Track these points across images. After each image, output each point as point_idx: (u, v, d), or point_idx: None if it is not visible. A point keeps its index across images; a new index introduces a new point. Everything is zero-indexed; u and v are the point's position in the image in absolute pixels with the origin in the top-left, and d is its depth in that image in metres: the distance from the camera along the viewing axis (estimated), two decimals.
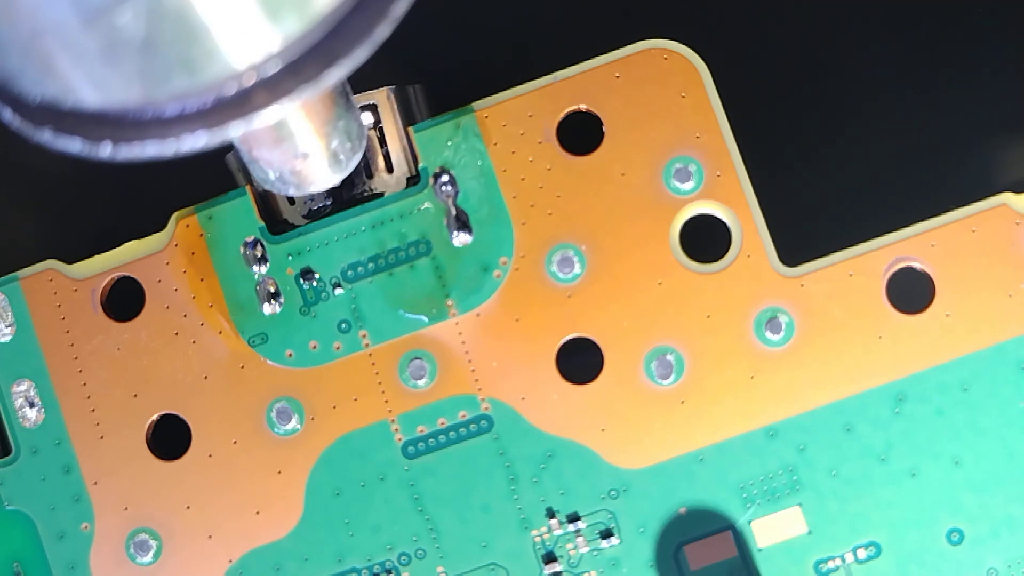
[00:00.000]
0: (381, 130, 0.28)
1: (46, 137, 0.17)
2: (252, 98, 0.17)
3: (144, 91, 0.16)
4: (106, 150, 0.17)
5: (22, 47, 0.16)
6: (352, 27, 0.17)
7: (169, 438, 0.28)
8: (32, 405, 0.28)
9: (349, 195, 0.28)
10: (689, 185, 0.27)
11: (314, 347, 0.28)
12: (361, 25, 0.17)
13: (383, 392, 0.28)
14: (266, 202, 0.28)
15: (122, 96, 0.17)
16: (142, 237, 0.28)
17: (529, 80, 0.28)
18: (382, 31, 0.17)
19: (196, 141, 0.17)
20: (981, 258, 0.27)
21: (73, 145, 0.17)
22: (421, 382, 0.27)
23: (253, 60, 0.17)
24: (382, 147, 0.28)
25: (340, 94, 0.22)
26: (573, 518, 0.27)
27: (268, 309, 0.27)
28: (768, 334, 0.27)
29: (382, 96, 0.28)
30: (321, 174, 0.23)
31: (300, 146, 0.22)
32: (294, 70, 0.17)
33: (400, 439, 0.28)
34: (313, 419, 0.28)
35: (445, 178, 0.27)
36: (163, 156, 0.17)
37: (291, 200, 0.28)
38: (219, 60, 0.16)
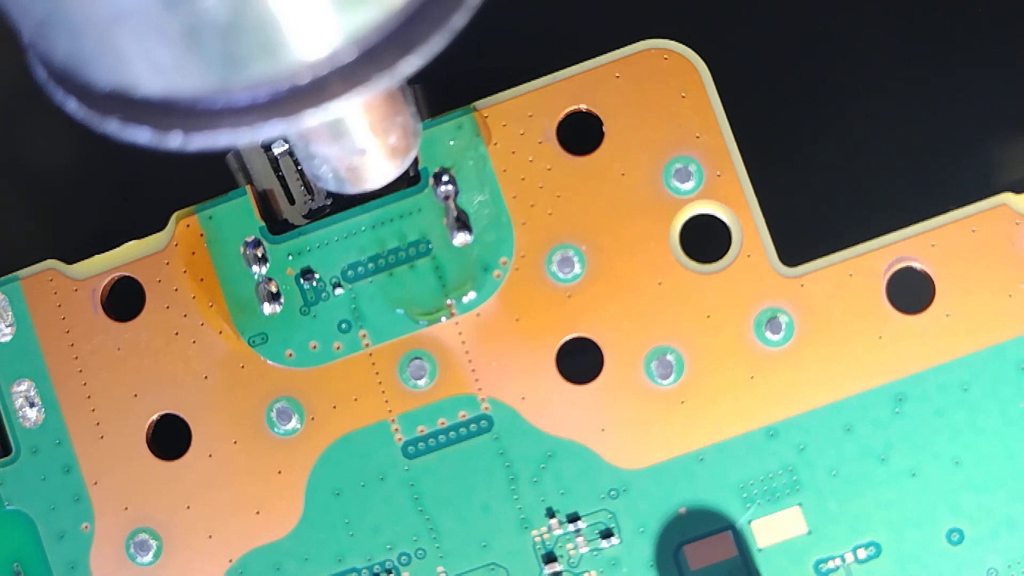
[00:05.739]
0: None
1: (113, 127, 0.17)
2: (327, 87, 0.17)
3: (222, 77, 0.16)
4: (176, 140, 0.17)
5: (100, 31, 0.16)
6: (429, 15, 0.17)
7: (169, 438, 0.28)
8: (32, 405, 0.28)
9: (349, 195, 0.28)
10: (689, 185, 0.27)
11: (314, 347, 0.28)
12: (438, 13, 0.17)
13: (383, 392, 0.28)
14: (266, 202, 0.28)
15: (198, 82, 0.16)
16: (142, 237, 0.28)
17: (529, 80, 0.28)
18: (459, 19, 0.17)
19: (272, 129, 0.17)
20: (981, 258, 0.27)
21: (142, 135, 0.17)
22: (421, 382, 0.27)
23: (329, 48, 0.16)
24: None
25: (398, 88, 0.22)
26: (573, 518, 0.27)
27: (268, 309, 0.27)
28: (768, 334, 0.27)
29: None
30: (377, 171, 0.23)
31: (358, 142, 0.22)
32: (370, 58, 0.17)
33: (400, 439, 0.28)
34: (313, 419, 0.28)
35: (445, 178, 0.27)
36: (236, 145, 0.17)
37: (291, 200, 0.28)
38: (295, 48, 0.16)
